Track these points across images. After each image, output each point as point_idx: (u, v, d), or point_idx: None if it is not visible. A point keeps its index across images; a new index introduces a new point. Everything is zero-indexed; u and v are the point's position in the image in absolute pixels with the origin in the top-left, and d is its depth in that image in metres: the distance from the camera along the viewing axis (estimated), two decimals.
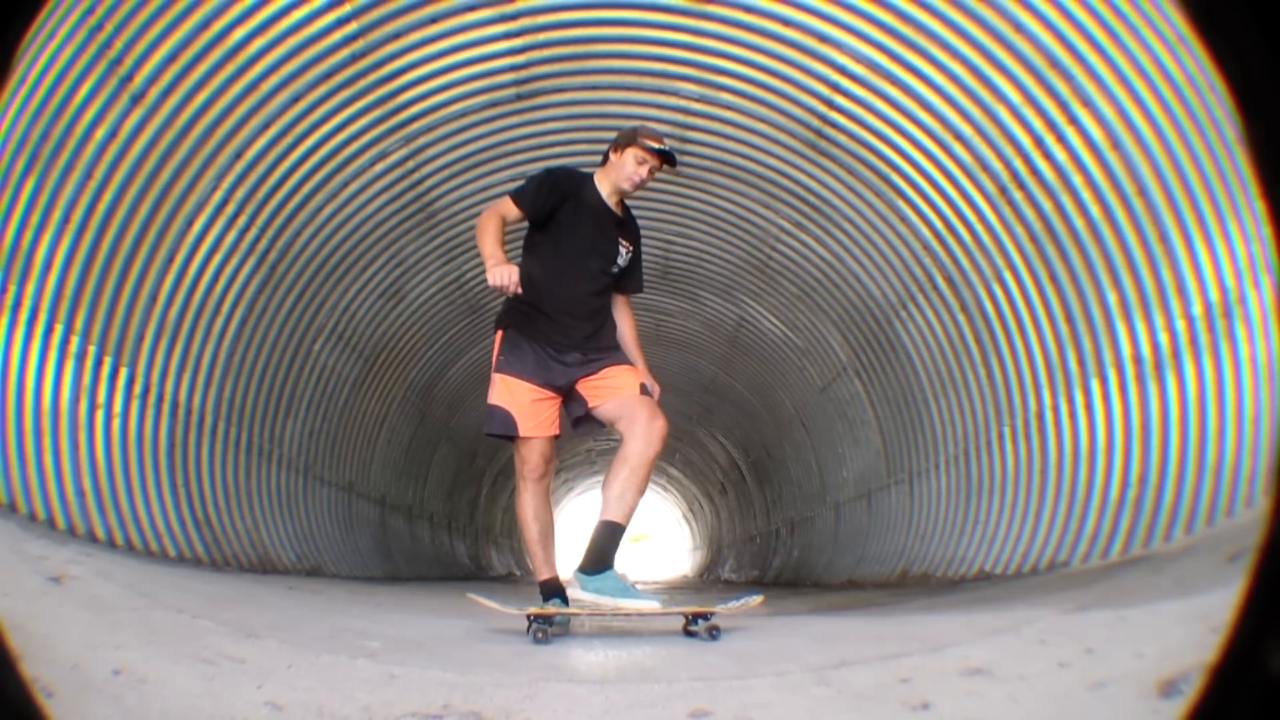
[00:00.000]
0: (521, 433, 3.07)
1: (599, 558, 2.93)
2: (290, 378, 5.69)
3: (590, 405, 3.14)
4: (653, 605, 2.94)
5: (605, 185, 3.24)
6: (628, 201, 3.37)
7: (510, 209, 3.14)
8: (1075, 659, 1.77)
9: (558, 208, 3.15)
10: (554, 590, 3.04)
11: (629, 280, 3.40)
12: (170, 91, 3.95)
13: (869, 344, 6.14)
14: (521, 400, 3.08)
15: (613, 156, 3.23)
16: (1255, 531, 0.60)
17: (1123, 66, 3.53)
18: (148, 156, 3.98)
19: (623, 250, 3.28)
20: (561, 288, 3.15)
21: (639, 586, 3.03)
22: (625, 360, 3.25)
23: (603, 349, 3.22)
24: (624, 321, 3.39)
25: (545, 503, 3.15)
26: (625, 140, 3.21)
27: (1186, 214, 3.49)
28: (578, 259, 3.18)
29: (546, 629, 2.74)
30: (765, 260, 6.30)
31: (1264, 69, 0.55)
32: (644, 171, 3.18)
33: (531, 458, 3.09)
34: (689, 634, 2.90)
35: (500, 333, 3.22)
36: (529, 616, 2.79)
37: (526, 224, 3.21)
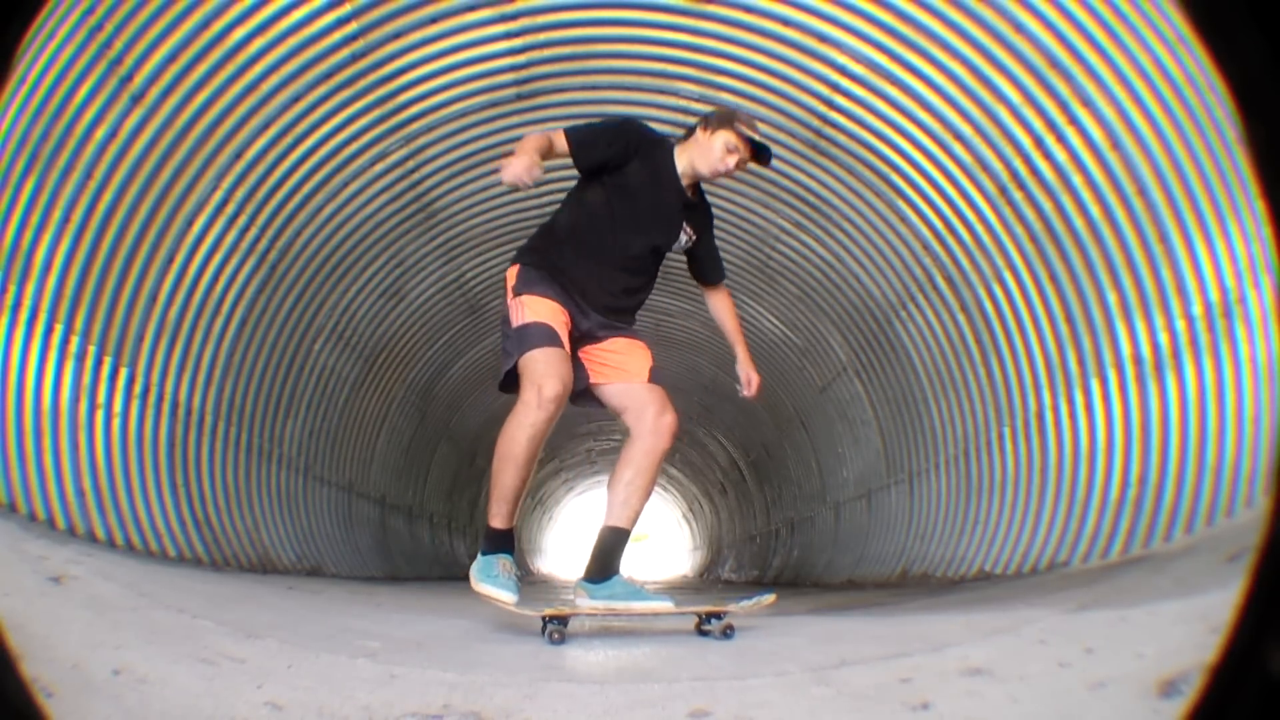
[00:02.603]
0: (564, 345, 2.69)
1: (604, 565, 2.78)
2: (290, 378, 5.69)
3: (592, 380, 2.87)
4: (666, 605, 2.80)
5: (682, 160, 2.88)
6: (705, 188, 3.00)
7: (560, 142, 2.75)
8: (1075, 659, 1.77)
9: (618, 164, 2.79)
10: (508, 544, 2.80)
11: (703, 268, 3.09)
12: (170, 91, 3.95)
13: (869, 344, 6.14)
14: (557, 316, 2.74)
15: (700, 134, 2.86)
16: (1255, 531, 0.60)
17: (1123, 66, 3.53)
18: (148, 156, 3.98)
19: (684, 236, 2.95)
20: (600, 253, 2.83)
21: (646, 587, 2.99)
22: (639, 335, 2.98)
23: (623, 321, 2.93)
24: (722, 313, 3.11)
25: (540, 448, 2.75)
26: (720, 121, 2.85)
27: (1186, 214, 3.49)
28: (628, 230, 2.83)
29: (562, 629, 2.65)
30: (765, 260, 6.30)
31: (1264, 69, 0.55)
32: (731, 161, 2.83)
33: (563, 371, 2.64)
34: (702, 633, 2.86)
35: (516, 267, 2.87)
36: (544, 618, 2.69)
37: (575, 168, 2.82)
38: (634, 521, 2.83)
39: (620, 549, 2.82)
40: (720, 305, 3.17)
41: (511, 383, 2.77)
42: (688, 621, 3.01)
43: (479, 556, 2.79)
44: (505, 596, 2.69)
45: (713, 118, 2.89)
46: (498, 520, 2.77)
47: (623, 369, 2.88)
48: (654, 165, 2.85)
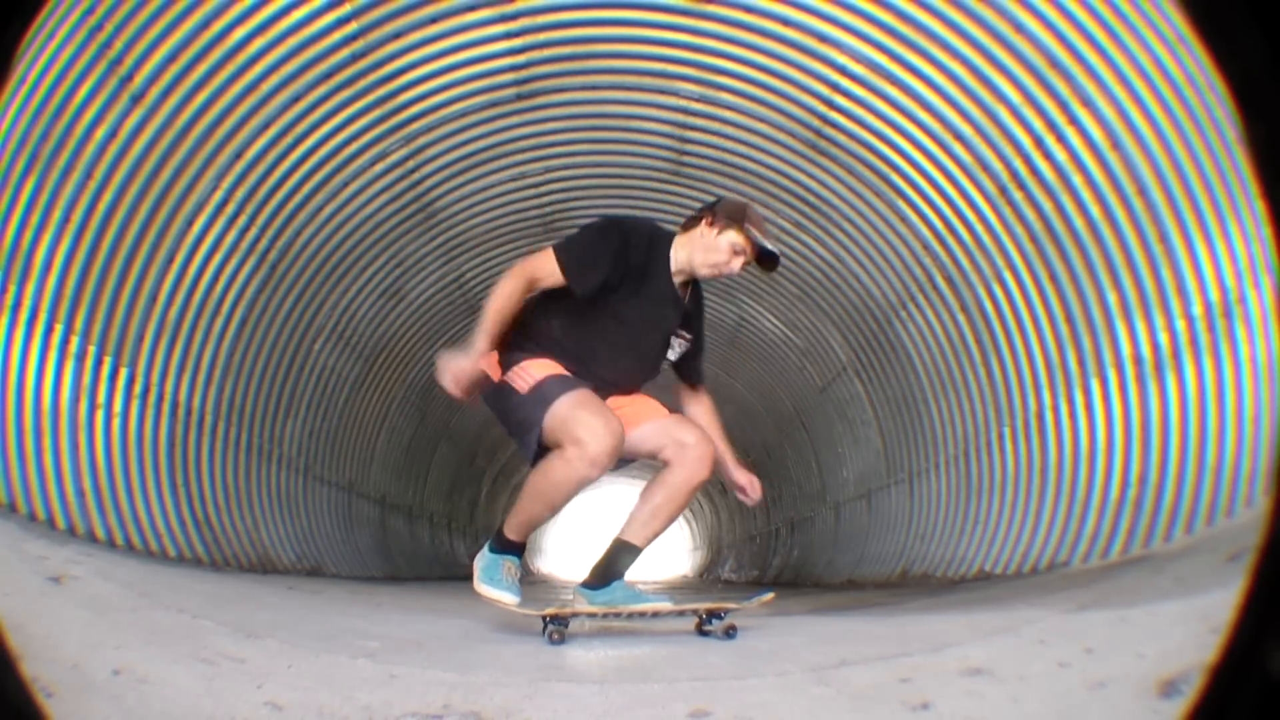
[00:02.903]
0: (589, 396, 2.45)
1: (607, 573, 2.69)
2: (290, 378, 5.69)
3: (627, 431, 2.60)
4: (666, 604, 2.75)
5: (680, 255, 2.68)
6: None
7: (550, 270, 2.48)
8: (1075, 659, 1.77)
9: (613, 286, 2.53)
10: (518, 552, 2.73)
11: (687, 369, 2.86)
12: (170, 91, 3.95)
13: (869, 344, 6.14)
14: (560, 370, 2.54)
15: (704, 229, 2.65)
16: (1255, 531, 0.60)
17: (1123, 66, 3.53)
18: (148, 156, 3.98)
19: (676, 344, 2.73)
20: (594, 360, 2.63)
21: (641, 588, 2.98)
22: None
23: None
24: (703, 421, 2.82)
25: None
26: (729, 218, 2.62)
27: (1186, 214, 3.49)
28: (619, 351, 2.65)
29: (563, 630, 2.63)
30: None
31: (1264, 69, 0.55)
32: (735, 265, 2.61)
33: (609, 418, 2.39)
34: (703, 634, 2.85)
35: (491, 357, 2.56)
36: (544, 618, 2.68)
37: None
38: (649, 543, 2.70)
39: (627, 564, 2.72)
40: (699, 411, 2.87)
41: (540, 445, 2.51)
42: (688, 622, 3.01)
43: (486, 552, 2.75)
44: (507, 599, 2.68)
45: (720, 212, 2.66)
46: (514, 535, 2.70)
47: (641, 415, 2.68)
48: (650, 274, 2.62)
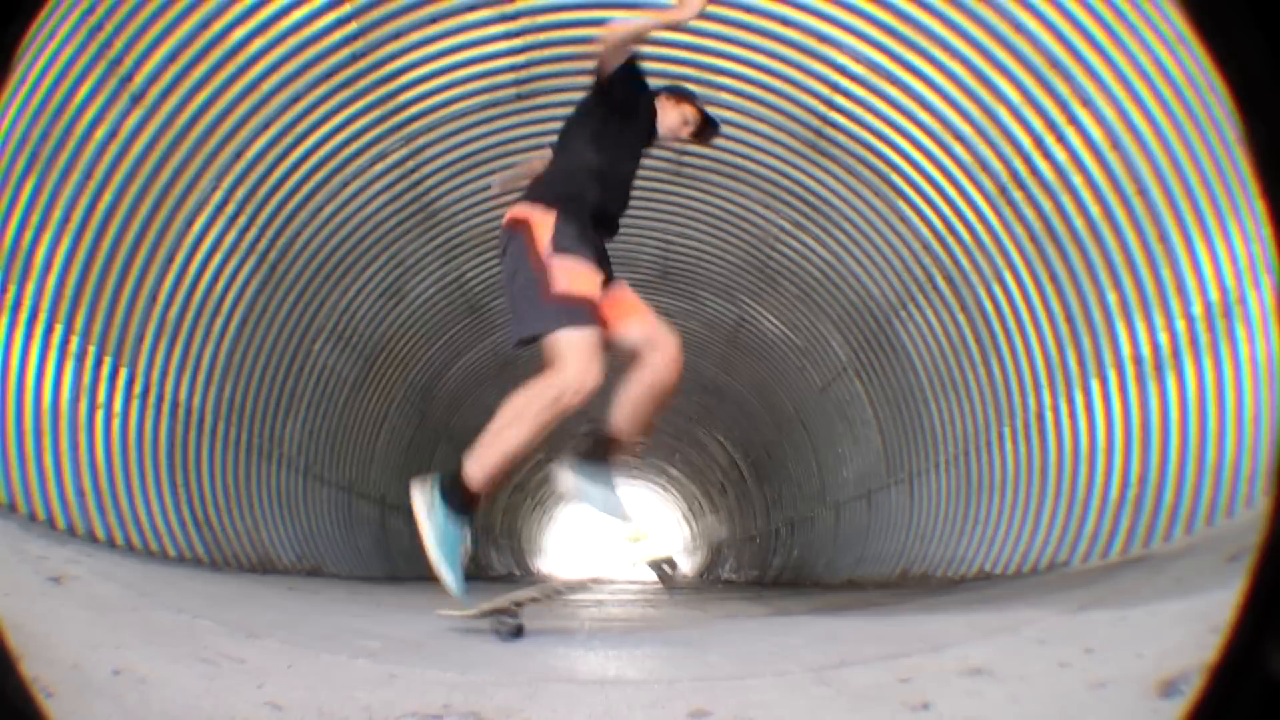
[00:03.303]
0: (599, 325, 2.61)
1: (598, 454, 2.64)
2: (290, 378, 5.69)
3: (611, 324, 2.70)
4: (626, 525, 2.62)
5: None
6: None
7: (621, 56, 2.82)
8: (1075, 659, 1.77)
9: (617, 105, 2.89)
10: (474, 511, 2.66)
11: None
12: (170, 91, 3.95)
13: (869, 344, 6.14)
14: (595, 287, 2.66)
15: (663, 100, 3.06)
16: (1255, 531, 0.60)
17: (1123, 66, 3.53)
18: (148, 156, 3.98)
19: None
20: (614, 175, 2.90)
21: (636, 587, 2.97)
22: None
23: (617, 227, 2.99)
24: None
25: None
26: (682, 95, 3.09)
27: (1186, 214, 3.50)
28: (627, 156, 2.97)
29: (511, 623, 2.60)
30: (765, 260, 6.30)
31: (1264, 69, 0.55)
32: (685, 132, 3.08)
33: (601, 364, 2.54)
34: (665, 582, 2.83)
35: (552, 212, 2.72)
36: (484, 613, 2.61)
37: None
38: (633, 436, 2.70)
39: (615, 455, 2.69)
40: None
41: (531, 340, 2.64)
42: (688, 618, 3.01)
43: (439, 502, 2.60)
44: (452, 586, 2.57)
45: (674, 91, 3.10)
46: (479, 477, 2.56)
47: (634, 307, 2.79)
48: (636, 117, 2.99)
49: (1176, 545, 3.31)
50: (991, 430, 4.97)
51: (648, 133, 3.07)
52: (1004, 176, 4.29)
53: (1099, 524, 3.88)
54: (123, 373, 4.11)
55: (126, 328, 4.14)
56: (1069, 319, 4.21)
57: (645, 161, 5.80)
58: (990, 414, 4.98)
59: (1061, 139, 3.91)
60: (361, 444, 7.14)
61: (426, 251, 6.10)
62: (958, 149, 4.44)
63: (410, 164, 5.30)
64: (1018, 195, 4.26)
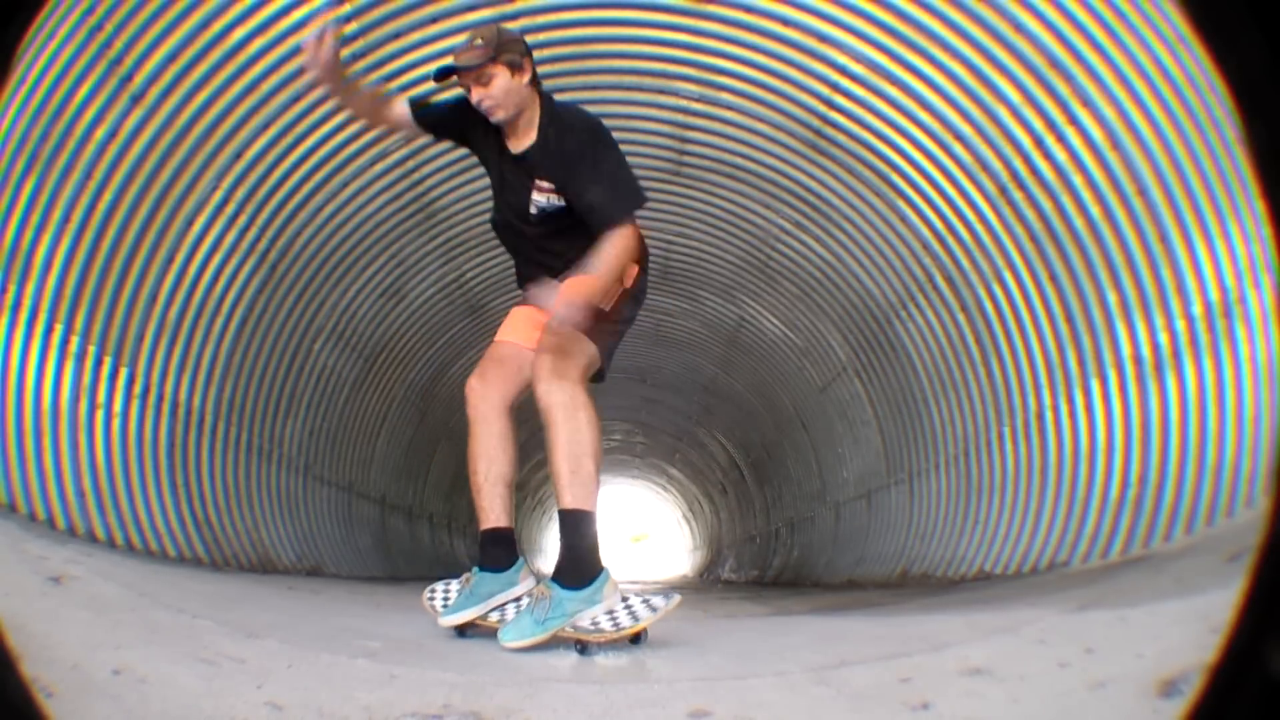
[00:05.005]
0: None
1: (577, 564, 2.51)
2: (290, 378, 5.69)
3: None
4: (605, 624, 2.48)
5: None
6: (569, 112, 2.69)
7: (401, 113, 2.79)
8: (1075, 659, 1.77)
9: (483, 154, 2.71)
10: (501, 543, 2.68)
11: (592, 216, 2.53)
12: (170, 91, 3.94)
13: (869, 344, 6.14)
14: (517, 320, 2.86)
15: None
16: (1255, 531, 0.60)
17: (1123, 66, 3.53)
18: (148, 156, 3.98)
19: (537, 196, 2.57)
20: (511, 233, 2.78)
21: (634, 588, 2.95)
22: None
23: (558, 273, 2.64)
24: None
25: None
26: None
27: (1186, 214, 3.49)
28: (506, 215, 2.75)
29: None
30: (765, 260, 6.30)
31: (1264, 69, 0.55)
32: (483, 102, 2.52)
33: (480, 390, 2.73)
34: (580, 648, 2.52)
35: None
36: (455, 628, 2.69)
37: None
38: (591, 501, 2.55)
39: (588, 538, 2.55)
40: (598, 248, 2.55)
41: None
42: (685, 619, 3.01)
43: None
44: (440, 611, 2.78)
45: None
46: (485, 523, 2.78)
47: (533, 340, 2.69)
48: (488, 131, 2.65)
49: (1176, 545, 3.31)
50: (991, 430, 4.97)
51: (503, 174, 2.70)
52: (1004, 176, 4.29)
53: (1099, 524, 3.88)
54: (123, 373, 4.11)
55: (126, 328, 4.14)
56: (1069, 319, 4.21)
57: (645, 161, 5.82)
58: (990, 414, 4.98)
59: (1061, 139, 3.91)
60: (362, 444, 7.14)
61: (427, 251, 6.10)
62: (958, 149, 4.44)
63: (410, 164, 5.30)
64: (1018, 195, 4.26)
